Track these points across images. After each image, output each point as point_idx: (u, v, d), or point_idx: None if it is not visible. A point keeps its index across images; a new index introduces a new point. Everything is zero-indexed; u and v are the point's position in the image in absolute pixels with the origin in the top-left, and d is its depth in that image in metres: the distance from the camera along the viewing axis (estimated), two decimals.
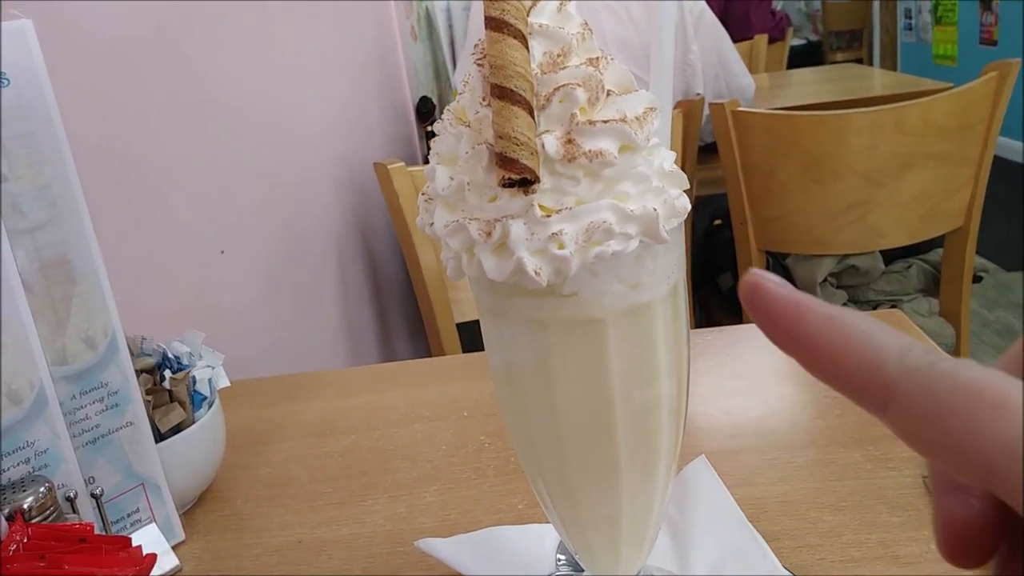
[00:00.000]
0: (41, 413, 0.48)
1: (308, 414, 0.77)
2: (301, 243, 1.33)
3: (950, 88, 2.10)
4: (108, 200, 0.79)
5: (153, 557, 0.39)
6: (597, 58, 0.30)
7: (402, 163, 1.33)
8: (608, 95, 0.29)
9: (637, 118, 0.29)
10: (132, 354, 0.57)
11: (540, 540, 0.51)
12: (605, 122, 0.29)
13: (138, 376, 0.57)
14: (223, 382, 0.64)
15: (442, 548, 0.50)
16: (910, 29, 6.23)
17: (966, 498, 0.18)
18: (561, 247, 0.29)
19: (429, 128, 2.36)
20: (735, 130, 1.36)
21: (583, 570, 0.47)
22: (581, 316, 0.32)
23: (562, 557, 0.49)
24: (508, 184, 0.28)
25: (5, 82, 0.46)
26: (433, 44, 2.60)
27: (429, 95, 2.41)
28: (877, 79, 2.81)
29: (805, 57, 6.12)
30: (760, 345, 0.77)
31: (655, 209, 0.30)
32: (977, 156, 1.33)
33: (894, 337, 0.17)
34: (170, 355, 0.63)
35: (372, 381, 0.84)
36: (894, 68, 6.34)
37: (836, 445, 0.59)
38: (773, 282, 0.19)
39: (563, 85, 0.29)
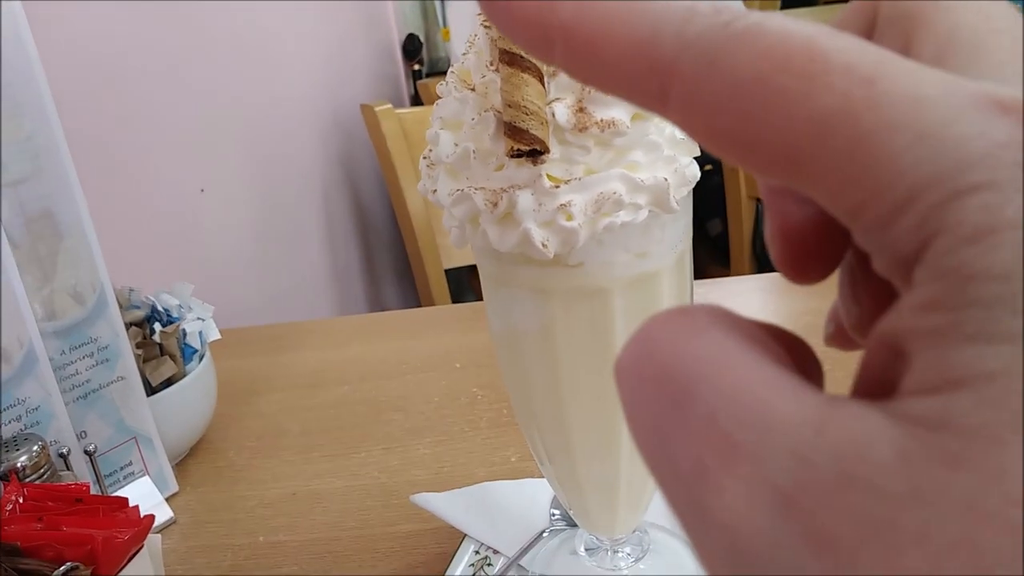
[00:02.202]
0: (31, 370, 0.48)
1: (298, 365, 0.76)
2: (285, 186, 1.31)
3: None
4: (87, 146, 0.76)
5: (151, 518, 0.39)
6: None
7: (389, 105, 1.30)
8: None
9: None
10: (120, 307, 0.56)
11: (534, 495, 0.51)
12: None
13: (127, 329, 0.56)
14: (214, 335, 0.63)
15: (437, 502, 0.51)
16: None
17: (799, 197, 0.14)
18: (569, 218, 0.28)
19: (416, 67, 2.31)
20: None
21: (577, 526, 0.47)
22: (587, 286, 0.31)
23: (556, 512, 0.50)
24: (516, 155, 0.27)
25: None
26: None
27: (416, 32, 2.35)
28: None
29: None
30: (753, 299, 0.77)
31: (666, 179, 0.29)
32: None
33: (677, 3, 0.12)
34: (159, 307, 0.62)
35: (362, 331, 0.83)
36: None
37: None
38: None
39: None
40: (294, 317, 1.27)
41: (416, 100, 2.23)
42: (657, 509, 0.49)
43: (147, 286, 0.64)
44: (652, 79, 0.12)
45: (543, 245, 0.29)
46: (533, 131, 0.27)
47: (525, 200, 0.28)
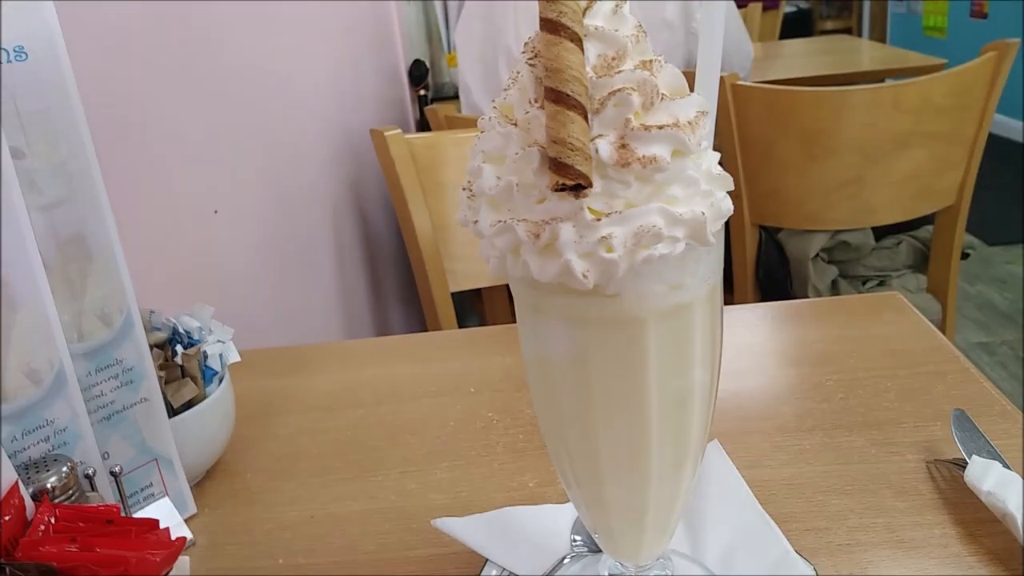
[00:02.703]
0: (61, 391, 0.48)
1: (313, 387, 0.77)
2: (296, 209, 1.32)
3: (939, 63, 2.12)
4: (112, 169, 0.77)
5: (183, 540, 0.40)
6: (651, 61, 0.30)
7: (399, 130, 1.31)
8: (661, 99, 0.29)
9: (689, 122, 0.30)
10: (144, 329, 0.56)
11: (555, 520, 0.52)
12: (660, 127, 0.29)
13: (150, 351, 0.57)
14: (233, 357, 0.64)
15: (457, 527, 0.51)
16: None
17: None
18: (610, 250, 0.29)
19: (422, 92, 2.34)
20: (733, 103, 1.36)
21: (600, 551, 0.48)
22: (622, 316, 0.32)
23: (578, 538, 0.50)
24: (561, 189, 0.28)
25: (23, 56, 0.45)
26: (425, 5, 2.55)
27: (421, 57, 2.38)
28: (866, 52, 2.82)
29: (795, 24, 6.09)
30: (764, 326, 0.78)
31: (703, 213, 0.30)
32: (972, 135, 1.34)
33: None
34: (180, 329, 0.62)
35: (376, 354, 0.84)
36: (883, 39, 6.33)
37: (841, 429, 0.60)
38: None
39: (618, 89, 0.29)
40: (303, 338, 1.27)
41: (422, 125, 2.25)
42: (681, 536, 0.49)
43: (159, 304, 0.64)
44: None
45: (583, 276, 0.29)
46: (578, 166, 0.28)
47: (567, 232, 0.29)
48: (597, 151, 0.29)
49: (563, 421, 0.37)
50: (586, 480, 0.40)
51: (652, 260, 0.30)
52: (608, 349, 0.33)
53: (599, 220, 0.29)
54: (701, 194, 0.31)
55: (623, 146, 0.29)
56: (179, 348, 0.60)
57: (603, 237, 0.29)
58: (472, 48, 1.70)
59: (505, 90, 0.32)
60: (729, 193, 0.33)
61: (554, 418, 0.38)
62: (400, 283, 1.88)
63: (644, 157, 0.29)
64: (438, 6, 2.54)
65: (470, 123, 1.57)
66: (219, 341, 0.63)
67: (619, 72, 0.29)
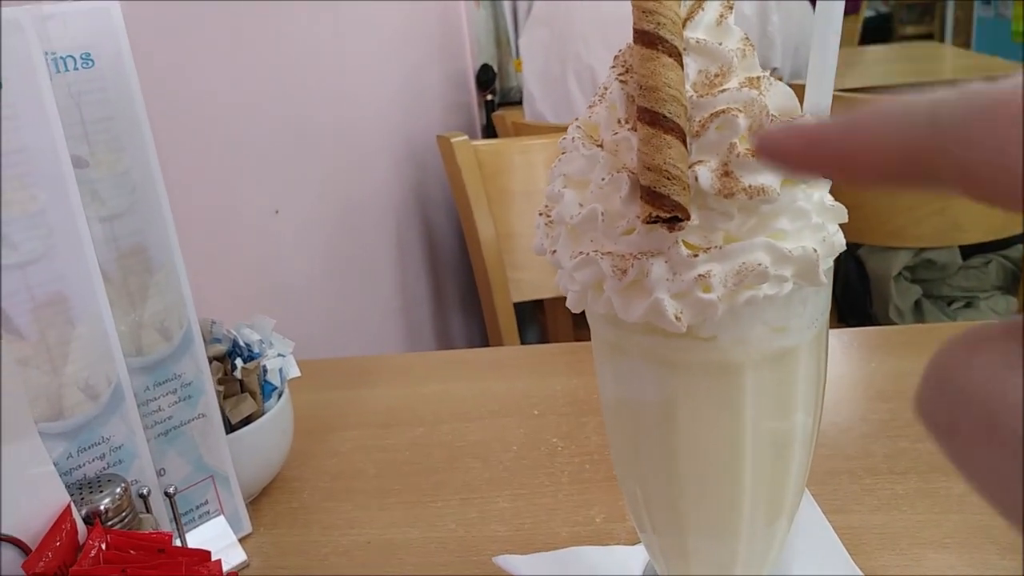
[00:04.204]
0: (118, 408, 0.47)
1: (372, 402, 0.75)
2: (358, 215, 1.31)
3: None
4: (173, 176, 0.77)
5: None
6: (759, 78, 0.26)
7: (465, 136, 1.29)
8: (771, 121, 0.26)
9: None
10: (203, 340, 0.55)
11: (625, 564, 0.48)
12: None
13: (209, 364, 0.56)
14: (293, 372, 0.62)
15: (521, 566, 0.48)
16: (988, 2, 5.93)
17: None
18: (707, 290, 0.26)
19: (489, 97, 2.32)
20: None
21: None
22: (717, 361, 0.29)
23: None
24: (654, 221, 0.25)
25: (89, 64, 0.44)
26: (495, 10, 2.54)
27: (489, 62, 2.36)
28: (950, 59, 2.69)
29: (875, 29, 5.89)
30: (851, 355, 0.73)
31: (815, 249, 0.26)
32: None
33: (916, 105, 0.14)
34: (241, 342, 0.61)
35: (436, 369, 0.82)
36: (968, 45, 6.06)
37: (938, 473, 0.55)
38: (777, 130, 0.16)
39: (722, 111, 0.25)
40: (363, 347, 1.26)
41: (488, 130, 2.24)
42: None
43: (219, 313, 0.63)
44: (921, 171, 0.14)
45: (676, 318, 0.26)
46: (675, 196, 0.25)
47: (658, 269, 0.26)
48: (696, 179, 0.25)
49: (643, 469, 0.34)
50: (665, 529, 0.36)
51: (755, 301, 0.26)
52: (699, 396, 0.30)
53: (696, 256, 0.26)
54: (811, 228, 0.27)
55: (726, 174, 0.25)
56: (239, 362, 0.59)
57: (700, 276, 0.26)
58: (536, 54, 1.67)
59: (591, 107, 0.29)
60: None
61: (632, 463, 0.35)
62: (462, 292, 1.87)
63: (751, 187, 0.25)
64: (507, 9, 2.52)
65: (537, 130, 1.54)
66: (279, 355, 0.61)
67: (723, 91, 0.26)
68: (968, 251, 1.48)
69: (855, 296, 1.44)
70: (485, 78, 2.29)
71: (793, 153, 0.16)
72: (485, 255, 1.32)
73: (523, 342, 1.62)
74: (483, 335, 1.45)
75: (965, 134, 0.13)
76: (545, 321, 1.81)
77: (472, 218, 1.31)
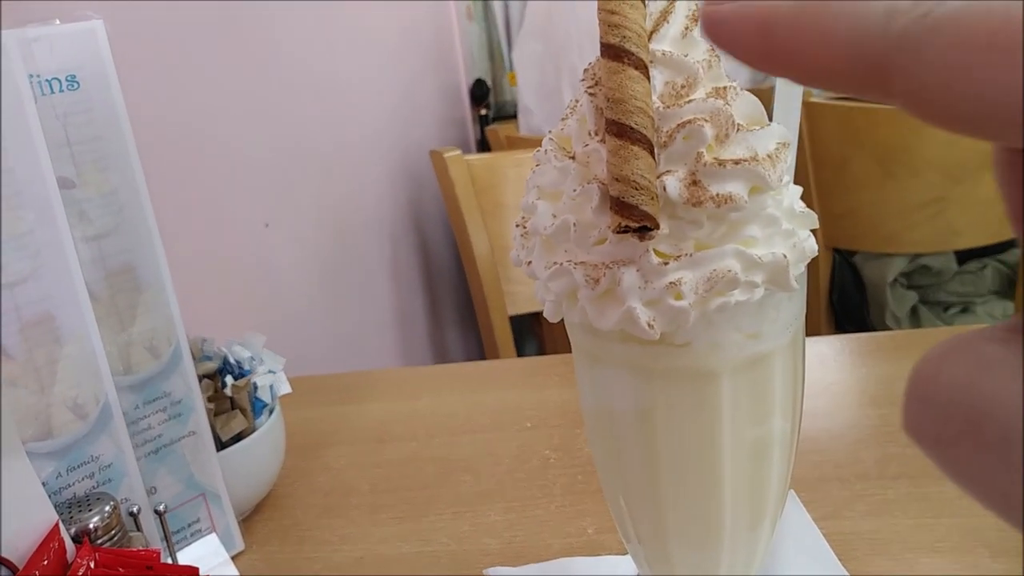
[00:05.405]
0: (106, 427, 0.47)
1: (365, 417, 0.75)
2: (351, 229, 1.32)
3: None
4: (161, 192, 0.77)
5: None
6: (725, 88, 0.27)
7: (458, 151, 1.30)
8: (737, 130, 0.26)
9: (769, 156, 0.26)
10: (193, 358, 0.55)
11: (613, 573, 0.48)
12: (736, 162, 0.25)
13: (199, 381, 0.56)
14: (284, 388, 0.62)
15: None
16: None
17: None
18: (679, 297, 0.26)
19: (483, 111, 2.33)
20: (806, 120, 1.31)
21: None
22: (692, 367, 0.29)
23: None
24: (624, 231, 0.25)
25: (75, 85, 0.44)
26: (488, 24, 2.55)
27: (483, 77, 2.37)
28: None
29: None
30: (842, 361, 0.73)
31: (784, 255, 0.27)
32: None
33: (870, 7, 0.13)
34: (231, 360, 0.61)
35: (429, 383, 0.82)
36: None
37: (929, 477, 0.55)
38: (727, 7, 0.15)
39: (688, 121, 0.26)
40: (358, 362, 1.26)
41: (483, 144, 2.25)
42: None
43: (210, 329, 0.63)
44: (868, 77, 0.13)
45: (649, 325, 0.26)
46: (643, 207, 0.25)
47: (630, 277, 0.26)
48: (664, 189, 0.26)
49: (625, 477, 0.34)
50: (649, 539, 0.36)
51: (727, 308, 0.27)
52: (676, 403, 0.30)
53: (667, 264, 0.26)
54: (782, 234, 0.27)
55: (694, 183, 0.26)
56: (229, 379, 0.59)
57: (671, 283, 0.26)
58: (530, 67, 1.67)
59: (563, 120, 0.30)
60: None
61: (614, 472, 0.35)
62: (458, 306, 1.87)
63: (718, 196, 0.25)
64: (500, 24, 2.53)
65: (530, 143, 1.55)
66: (270, 372, 0.62)
67: (689, 101, 0.26)
68: (964, 256, 1.48)
69: (851, 303, 1.44)
70: (479, 92, 2.30)
71: (741, 38, 0.14)
72: (480, 269, 1.32)
73: (521, 355, 1.62)
74: (480, 349, 1.45)
75: (916, 52, 0.12)
76: (543, 334, 1.81)
77: (466, 232, 1.31)
